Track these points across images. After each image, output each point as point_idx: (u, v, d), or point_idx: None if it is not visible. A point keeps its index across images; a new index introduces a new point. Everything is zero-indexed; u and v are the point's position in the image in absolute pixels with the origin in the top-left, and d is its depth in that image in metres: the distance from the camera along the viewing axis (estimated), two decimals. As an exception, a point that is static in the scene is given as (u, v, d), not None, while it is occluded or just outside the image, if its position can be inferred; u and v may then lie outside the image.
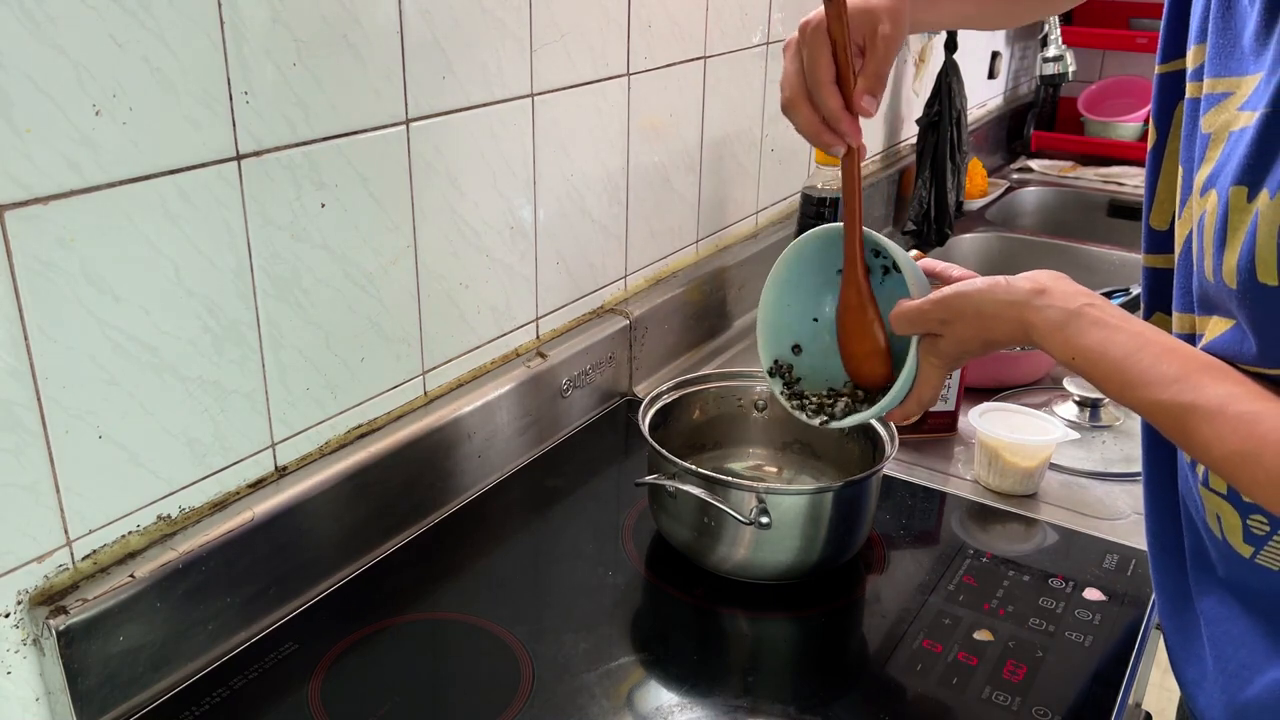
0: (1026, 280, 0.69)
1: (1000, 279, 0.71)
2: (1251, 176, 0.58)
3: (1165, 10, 0.73)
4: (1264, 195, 0.57)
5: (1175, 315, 0.71)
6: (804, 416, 0.85)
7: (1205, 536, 0.72)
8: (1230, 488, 0.66)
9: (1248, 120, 0.60)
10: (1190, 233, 0.68)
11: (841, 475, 1.04)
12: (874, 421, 1.00)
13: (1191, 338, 0.67)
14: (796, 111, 0.79)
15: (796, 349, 0.88)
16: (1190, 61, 0.69)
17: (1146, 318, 0.77)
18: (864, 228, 0.82)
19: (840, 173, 0.82)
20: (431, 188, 0.96)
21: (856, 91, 0.76)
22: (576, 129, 1.14)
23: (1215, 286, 0.62)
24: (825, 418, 0.84)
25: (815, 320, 0.88)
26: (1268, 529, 0.65)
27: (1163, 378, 0.62)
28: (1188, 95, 0.69)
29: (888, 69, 0.77)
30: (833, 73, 0.76)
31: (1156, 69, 0.74)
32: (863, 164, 1.93)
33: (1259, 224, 0.57)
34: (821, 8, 0.76)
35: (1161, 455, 0.78)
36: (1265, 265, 0.57)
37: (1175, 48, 0.73)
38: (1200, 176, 0.64)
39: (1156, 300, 0.76)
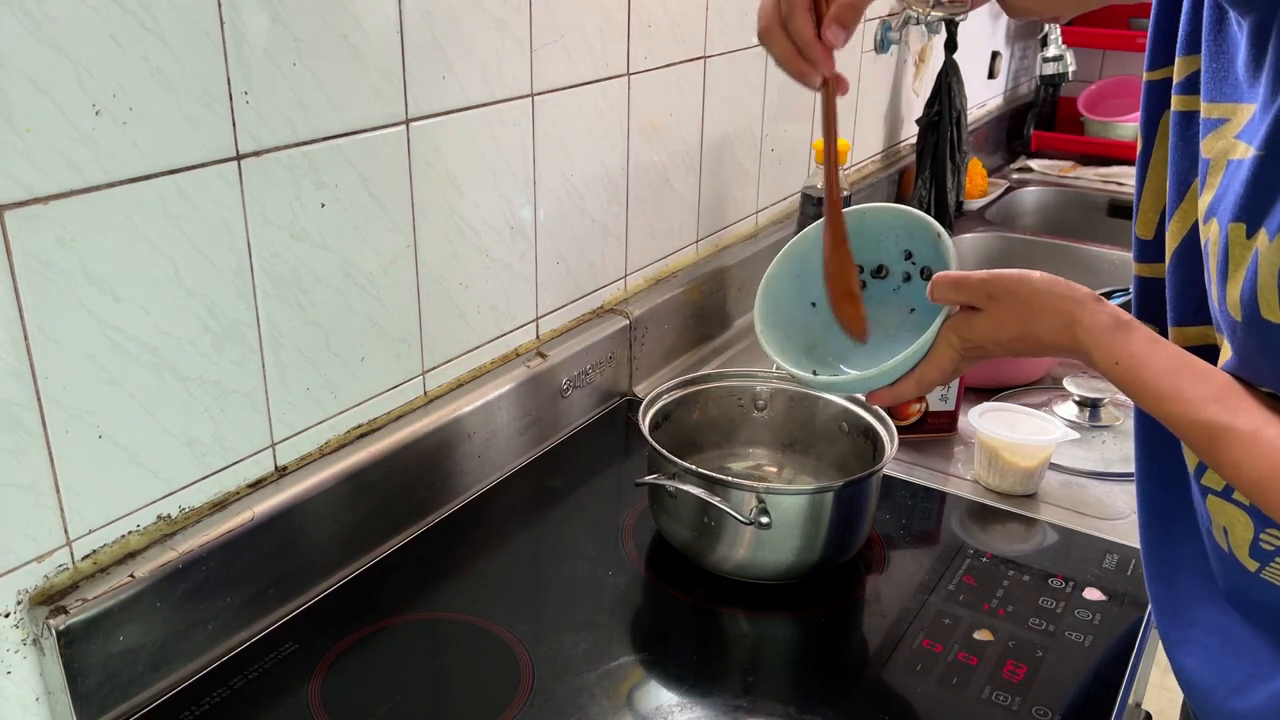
0: (1084, 289, 0.69)
1: (1059, 279, 0.70)
2: (1249, 215, 0.59)
3: (1153, 16, 0.73)
4: (1263, 236, 0.58)
5: (1172, 330, 0.70)
6: (790, 367, 0.82)
7: (1209, 547, 0.72)
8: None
9: (1244, 152, 0.60)
10: (1180, 250, 0.68)
11: (841, 475, 1.04)
12: (874, 421, 1.01)
13: (1202, 350, 0.67)
14: (771, 40, 0.76)
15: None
16: (1177, 72, 0.69)
17: None
18: (919, 212, 0.80)
19: (821, 103, 0.78)
20: (431, 188, 0.96)
21: (826, 19, 0.73)
22: (576, 129, 1.14)
23: (1222, 314, 0.62)
24: (814, 369, 0.82)
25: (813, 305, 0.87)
26: (1277, 545, 0.65)
27: (1202, 396, 0.62)
28: (1175, 108, 0.69)
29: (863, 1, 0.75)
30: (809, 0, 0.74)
31: (1145, 75, 0.74)
32: (863, 161, 1.90)
33: (1260, 264, 0.58)
34: None
35: (1156, 463, 0.78)
36: (1268, 304, 0.58)
37: (1164, 55, 0.72)
38: (1203, 203, 0.64)
39: (1144, 311, 0.76)
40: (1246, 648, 0.69)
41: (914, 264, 0.83)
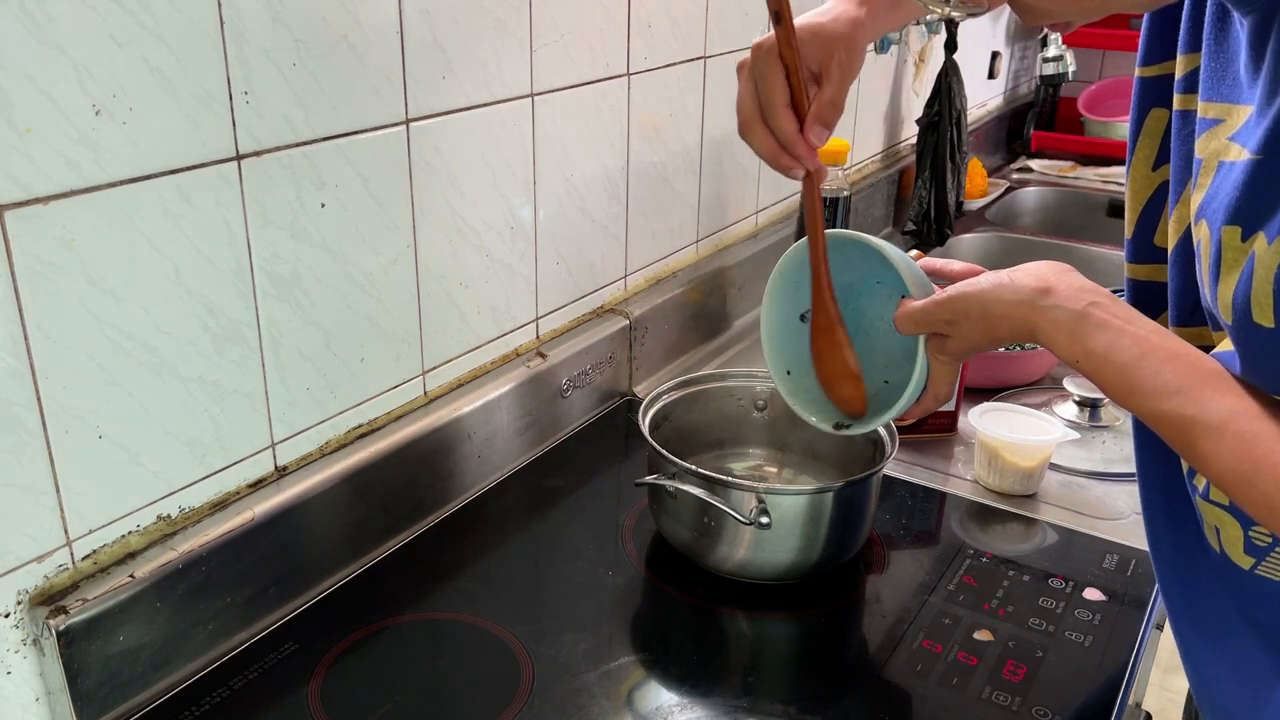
0: (1031, 278, 0.68)
1: (1004, 276, 0.70)
2: (1243, 218, 0.58)
3: (1147, 14, 0.72)
4: (1260, 240, 0.57)
5: (1174, 329, 0.70)
6: (816, 422, 0.84)
7: (1205, 548, 0.71)
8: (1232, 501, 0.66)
9: (1238, 154, 0.60)
10: (1178, 249, 0.68)
11: (841, 475, 1.04)
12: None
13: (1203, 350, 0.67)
14: (753, 135, 0.77)
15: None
16: (1178, 69, 0.68)
17: None
18: (858, 233, 0.81)
19: (803, 192, 0.80)
20: (431, 188, 0.96)
21: (808, 119, 0.75)
22: (576, 129, 1.14)
23: (1214, 313, 0.62)
24: (842, 423, 0.83)
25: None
26: (1269, 540, 0.65)
27: (1165, 388, 0.62)
28: (1175, 106, 0.69)
29: (843, 97, 0.76)
30: (786, 96, 0.74)
31: (1137, 71, 0.73)
32: (863, 161, 1.90)
33: (1255, 268, 0.57)
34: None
35: (1151, 461, 0.78)
36: (1260, 308, 0.57)
37: (1158, 51, 0.72)
38: (1194, 202, 0.64)
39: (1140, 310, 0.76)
40: (1248, 652, 0.69)
41: (877, 275, 0.83)
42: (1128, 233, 0.76)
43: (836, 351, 0.81)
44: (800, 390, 0.86)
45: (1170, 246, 0.69)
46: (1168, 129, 0.71)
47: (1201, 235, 0.62)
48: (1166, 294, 0.72)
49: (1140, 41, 0.73)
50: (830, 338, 0.81)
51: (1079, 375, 1.27)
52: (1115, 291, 0.70)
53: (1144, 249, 0.75)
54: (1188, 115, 0.67)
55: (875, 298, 0.84)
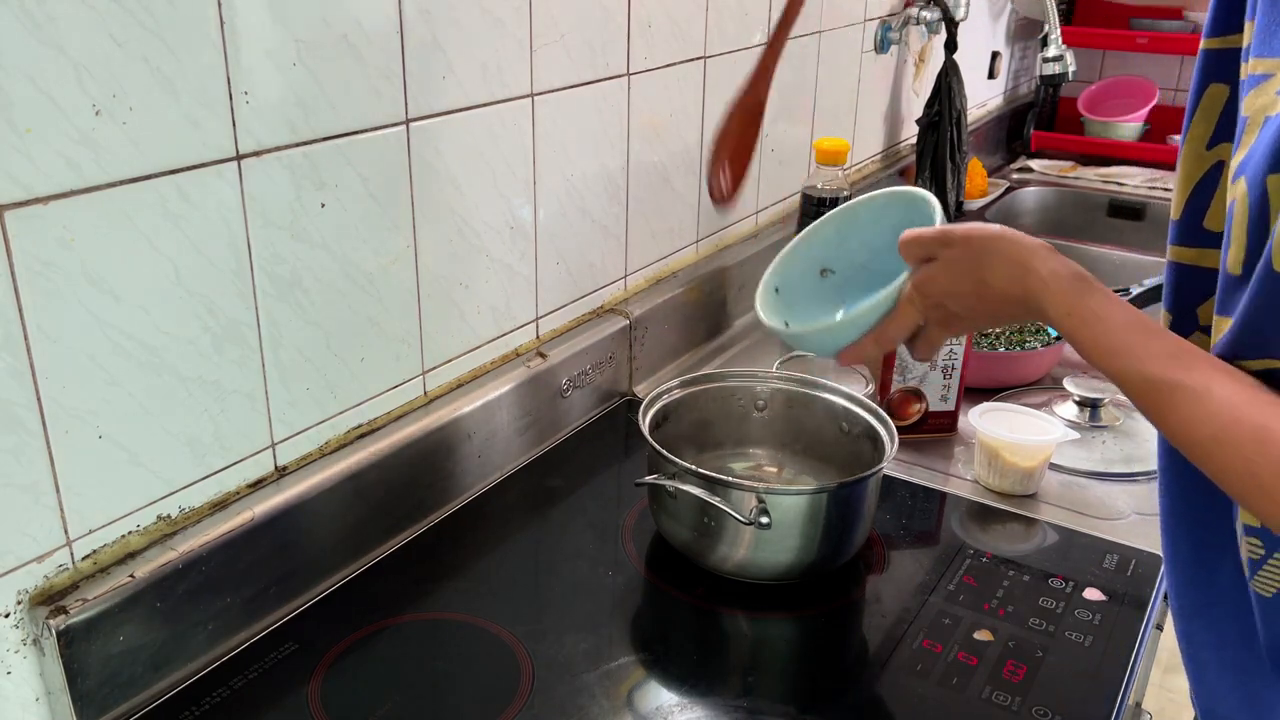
0: (1040, 241, 0.70)
1: (1017, 231, 0.71)
2: None
3: None
4: None
5: (1217, 318, 0.67)
6: (767, 319, 0.85)
7: (1226, 553, 0.70)
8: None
9: None
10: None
11: (841, 475, 1.04)
12: (874, 421, 1.01)
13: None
14: None
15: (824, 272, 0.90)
16: (1245, 38, 0.66)
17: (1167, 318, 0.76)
18: (916, 188, 0.82)
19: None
20: (431, 188, 0.96)
21: None
22: (576, 129, 1.14)
23: (1231, 280, 0.61)
24: (788, 322, 0.84)
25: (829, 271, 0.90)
26: (1262, 553, 0.64)
27: (1155, 352, 0.62)
28: (1241, 76, 0.66)
29: None
30: None
31: (1201, 43, 0.71)
32: (863, 161, 1.90)
33: None
34: None
35: (1179, 465, 0.76)
36: None
37: (1224, 22, 0.69)
38: (1234, 162, 0.62)
39: (1174, 300, 0.73)
40: (1254, 664, 0.68)
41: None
42: (1174, 214, 0.73)
43: (745, 134, 0.86)
44: (774, 303, 0.88)
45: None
46: (1225, 107, 0.69)
47: (1238, 193, 0.60)
48: (1210, 279, 0.69)
49: (1209, 11, 0.71)
50: (747, 117, 0.85)
51: (1078, 376, 1.27)
52: (1117, 291, 0.69)
53: (1191, 231, 0.72)
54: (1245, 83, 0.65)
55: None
